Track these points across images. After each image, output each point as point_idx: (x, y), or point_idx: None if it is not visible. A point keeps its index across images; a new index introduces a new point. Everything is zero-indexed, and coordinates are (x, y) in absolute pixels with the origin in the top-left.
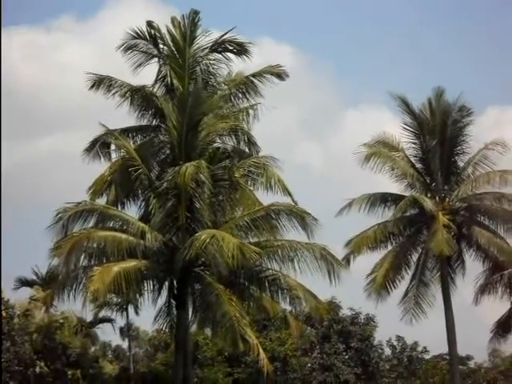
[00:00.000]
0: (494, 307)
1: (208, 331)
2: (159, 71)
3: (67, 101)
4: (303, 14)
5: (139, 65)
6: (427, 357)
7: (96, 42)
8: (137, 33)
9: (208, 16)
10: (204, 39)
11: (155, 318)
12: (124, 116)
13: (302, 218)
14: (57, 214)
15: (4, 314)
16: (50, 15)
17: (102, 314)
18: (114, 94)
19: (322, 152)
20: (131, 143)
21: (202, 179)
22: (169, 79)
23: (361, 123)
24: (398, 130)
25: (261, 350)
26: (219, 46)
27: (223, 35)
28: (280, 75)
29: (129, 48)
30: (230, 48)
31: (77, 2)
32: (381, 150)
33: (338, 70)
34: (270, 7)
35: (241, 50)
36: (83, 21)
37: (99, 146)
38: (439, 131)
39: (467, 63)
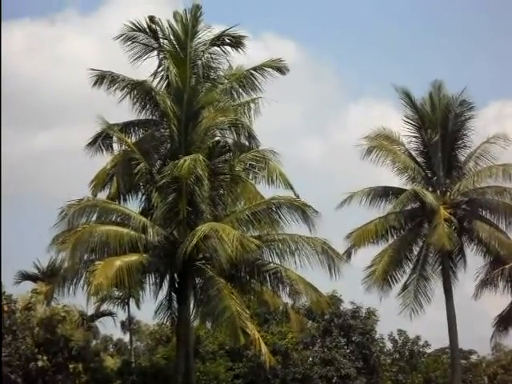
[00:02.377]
0: (496, 301)
1: (209, 325)
2: (160, 65)
3: (70, 94)
4: (307, 9)
5: (139, 57)
6: (429, 351)
7: (100, 36)
8: (135, 25)
9: (213, 11)
10: (206, 34)
11: (156, 312)
12: (127, 110)
13: (303, 211)
14: (61, 212)
15: (6, 308)
16: (54, 8)
17: (104, 307)
18: (116, 89)
19: (324, 146)
20: (133, 137)
21: (199, 173)
22: (169, 73)
23: (364, 117)
24: (400, 124)
25: (262, 344)
26: (218, 40)
27: (225, 30)
28: (281, 69)
29: (128, 39)
30: (227, 41)
31: None
32: (382, 143)
33: (341, 64)
34: (274, 2)
35: (236, 43)
36: (87, 14)
37: (101, 139)
38: (441, 125)
39: (469, 56)
